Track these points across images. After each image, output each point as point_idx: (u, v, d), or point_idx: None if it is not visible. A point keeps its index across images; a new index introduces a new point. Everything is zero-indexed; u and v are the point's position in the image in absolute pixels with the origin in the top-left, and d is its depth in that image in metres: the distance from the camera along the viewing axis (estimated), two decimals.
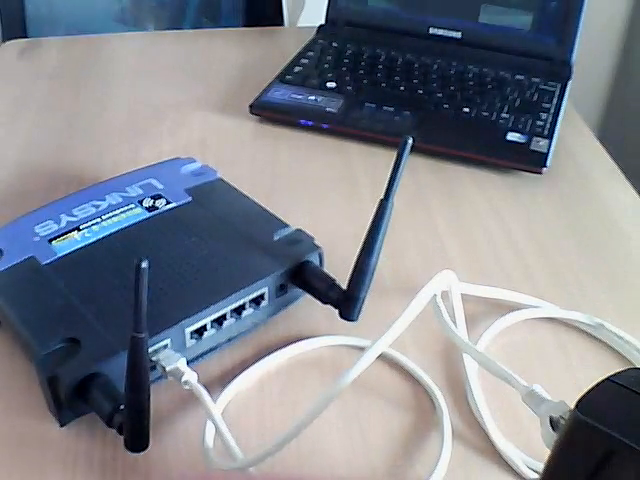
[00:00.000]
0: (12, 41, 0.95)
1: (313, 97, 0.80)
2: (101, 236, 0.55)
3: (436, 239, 0.63)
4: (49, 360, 0.45)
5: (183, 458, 0.45)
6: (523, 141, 0.74)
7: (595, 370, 0.51)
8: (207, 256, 0.53)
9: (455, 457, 0.45)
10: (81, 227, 0.55)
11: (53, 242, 0.54)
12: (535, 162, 0.71)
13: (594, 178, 0.72)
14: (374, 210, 0.47)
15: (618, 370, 0.33)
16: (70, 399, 0.44)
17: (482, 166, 0.73)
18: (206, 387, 0.45)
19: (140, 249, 0.54)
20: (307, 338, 0.52)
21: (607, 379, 0.32)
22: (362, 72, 0.85)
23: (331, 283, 0.52)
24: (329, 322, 0.53)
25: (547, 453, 0.33)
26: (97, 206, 0.57)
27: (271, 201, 0.60)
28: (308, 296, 0.53)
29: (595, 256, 0.62)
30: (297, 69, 0.85)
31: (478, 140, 0.74)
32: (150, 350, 0.45)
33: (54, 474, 0.44)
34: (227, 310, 0.50)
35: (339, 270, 0.52)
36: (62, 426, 0.46)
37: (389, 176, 0.45)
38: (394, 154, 0.45)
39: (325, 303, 0.52)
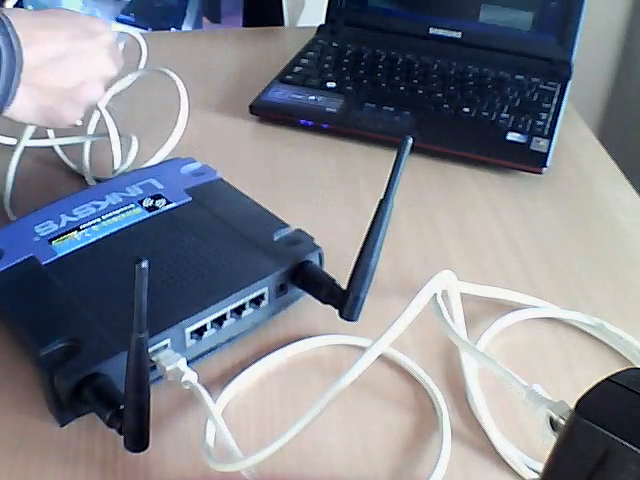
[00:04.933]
0: None
1: (313, 97, 0.80)
2: (101, 236, 0.55)
3: (436, 239, 0.63)
4: (49, 360, 0.45)
5: (183, 458, 0.45)
6: (523, 141, 0.74)
7: (595, 370, 0.51)
8: (207, 256, 0.53)
9: (455, 457, 0.45)
10: (81, 227, 0.55)
11: (53, 242, 0.54)
12: (535, 162, 0.71)
13: (594, 178, 0.72)
14: (374, 210, 0.47)
15: (618, 370, 0.33)
16: (70, 399, 0.44)
17: (482, 166, 0.73)
18: (206, 387, 0.45)
19: (140, 249, 0.54)
20: (307, 338, 0.52)
21: (607, 379, 0.32)
22: (362, 72, 0.85)
23: (331, 283, 0.52)
24: (329, 322, 0.53)
25: (547, 453, 0.33)
26: (97, 206, 0.57)
27: (271, 201, 0.60)
28: (308, 296, 0.53)
29: (595, 256, 0.62)
30: (297, 69, 0.85)
31: (478, 140, 0.74)
32: (150, 350, 0.45)
33: (54, 474, 0.44)
34: (227, 310, 0.50)
35: (339, 270, 0.52)
36: (62, 426, 0.46)
37: (389, 176, 0.45)
38: (394, 154, 0.45)
39: (325, 303, 0.52)
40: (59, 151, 0.71)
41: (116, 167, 0.66)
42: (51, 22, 0.57)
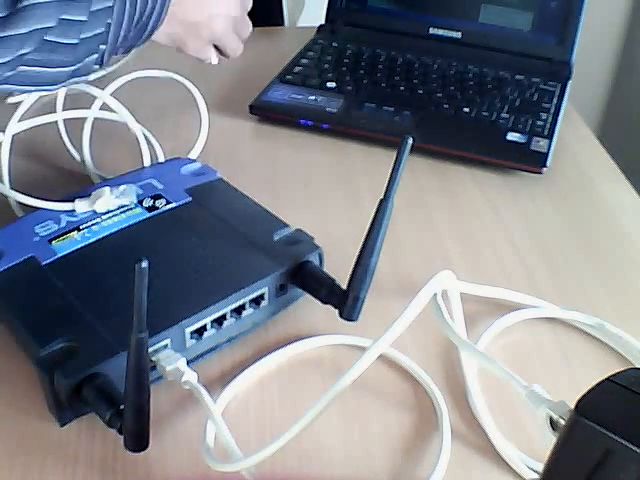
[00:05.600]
0: None
1: (313, 97, 0.80)
2: (101, 236, 0.55)
3: (436, 239, 0.63)
4: (49, 360, 0.45)
5: (183, 458, 0.45)
6: (523, 141, 0.74)
7: (595, 370, 0.51)
8: (207, 256, 0.53)
9: (455, 457, 0.45)
10: (81, 227, 0.55)
11: (53, 242, 0.54)
12: (535, 162, 0.71)
13: (594, 178, 0.72)
14: (374, 210, 0.47)
15: (618, 370, 0.33)
16: (70, 399, 0.44)
17: (482, 166, 0.73)
18: (206, 387, 0.45)
19: (140, 249, 0.54)
20: (307, 338, 0.52)
21: (607, 379, 0.32)
22: (362, 72, 0.85)
23: (331, 283, 0.52)
24: (329, 322, 0.53)
25: (547, 453, 0.33)
26: None
27: (271, 201, 0.60)
28: (308, 296, 0.53)
29: (595, 256, 0.62)
30: (297, 69, 0.85)
31: (478, 140, 0.74)
32: (150, 350, 0.45)
33: (54, 474, 0.44)
34: (227, 310, 0.50)
35: (339, 270, 0.52)
36: (62, 426, 0.46)
37: (389, 176, 0.45)
38: (394, 154, 0.45)
39: (325, 303, 0.52)
40: (69, 146, 0.71)
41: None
42: None
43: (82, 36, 0.52)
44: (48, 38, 0.50)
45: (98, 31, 0.53)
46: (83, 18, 0.52)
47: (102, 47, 0.55)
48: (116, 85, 0.69)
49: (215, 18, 0.67)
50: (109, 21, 0.54)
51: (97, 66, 0.57)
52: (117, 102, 0.66)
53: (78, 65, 0.54)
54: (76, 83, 0.57)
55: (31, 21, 0.48)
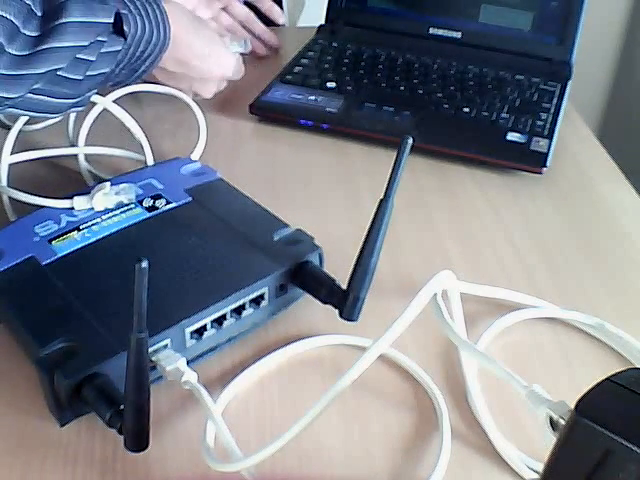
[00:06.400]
0: None
1: (313, 97, 0.80)
2: (101, 236, 0.55)
3: (436, 239, 0.63)
4: (49, 360, 0.45)
5: (183, 458, 0.45)
6: (523, 141, 0.74)
7: (595, 370, 0.51)
8: (207, 256, 0.53)
9: (455, 457, 0.45)
10: (81, 227, 0.55)
11: (53, 242, 0.54)
12: (535, 162, 0.71)
13: (594, 178, 0.72)
14: (374, 210, 0.47)
15: (618, 370, 0.33)
16: (70, 399, 0.44)
17: (482, 166, 0.73)
18: (206, 387, 0.45)
19: (140, 249, 0.54)
20: (307, 338, 0.52)
21: (607, 379, 0.32)
22: (362, 72, 0.85)
23: (331, 283, 0.52)
24: (329, 322, 0.53)
25: (547, 453, 0.33)
26: None
27: (271, 201, 0.60)
28: (308, 296, 0.53)
29: (595, 256, 0.62)
30: (297, 69, 0.85)
31: (478, 140, 0.74)
32: (150, 350, 0.45)
33: (54, 473, 0.44)
34: (227, 310, 0.50)
35: (339, 270, 0.52)
36: (62, 426, 0.46)
37: (389, 176, 0.45)
38: (394, 154, 0.45)
39: (325, 303, 0.52)
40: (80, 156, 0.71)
41: None
42: (198, 31, 0.70)
43: (88, 73, 0.57)
44: (59, 73, 0.55)
45: (103, 70, 0.59)
46: (92, 58, 0.57)
47: (101, 83, 0.61)
48: (117, 95, 0.68)
49: (190, 88, 0.74)
50: (113, 61, 0.60)
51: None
52: (119, 108, 0.66)
53: (79, 98, 0.59)
54: (74, 112, 0.63)
55: (49, 62, 0.54)
